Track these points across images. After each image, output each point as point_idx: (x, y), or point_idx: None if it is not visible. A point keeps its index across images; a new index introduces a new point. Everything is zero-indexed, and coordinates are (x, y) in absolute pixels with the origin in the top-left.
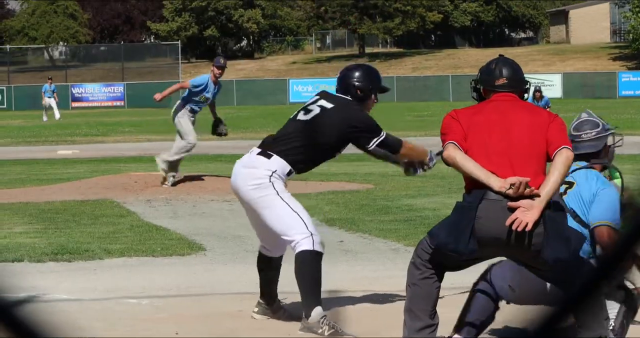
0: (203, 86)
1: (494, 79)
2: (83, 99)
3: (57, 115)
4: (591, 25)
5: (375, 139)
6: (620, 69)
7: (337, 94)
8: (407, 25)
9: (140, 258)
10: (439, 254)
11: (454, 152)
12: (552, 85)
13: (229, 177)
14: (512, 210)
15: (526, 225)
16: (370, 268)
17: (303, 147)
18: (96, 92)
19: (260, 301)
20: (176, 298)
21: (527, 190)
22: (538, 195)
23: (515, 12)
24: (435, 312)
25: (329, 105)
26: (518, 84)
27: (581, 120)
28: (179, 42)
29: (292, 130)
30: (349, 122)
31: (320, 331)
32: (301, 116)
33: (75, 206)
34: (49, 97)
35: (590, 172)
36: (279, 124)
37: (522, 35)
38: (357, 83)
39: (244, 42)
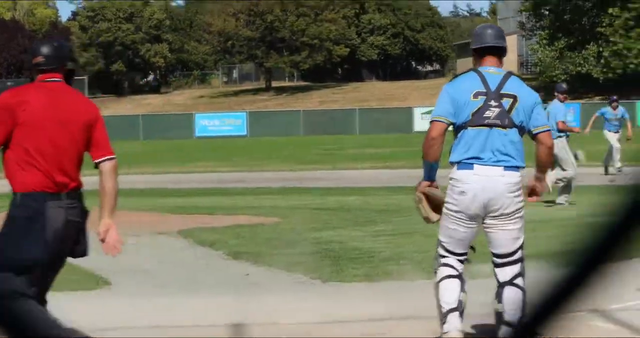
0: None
1: (33, 56)
2: None
3: None
4: None
5: None
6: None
7: None
8: (314, 58)
9: None
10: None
11: None
12: None
13: (137, 212)
14: (74, 210)
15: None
16: (276, 301)
17: None
18: None
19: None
20: None
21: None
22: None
23: (422, 45)
24: None
25: None
26: (57, 61)
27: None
28: (86, 77)
29: None
30: None
31: None
32: None
33: None
34: None
35: (516, 78)
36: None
37: (429, 68)
38: None
39: (151, 77)
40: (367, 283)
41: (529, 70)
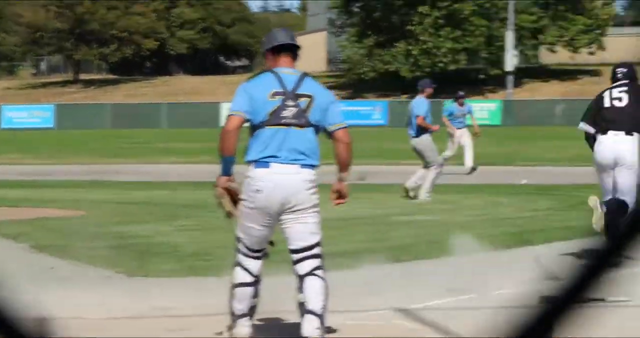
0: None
1: None
2: None
3: None
4: (308, 53)
5: None
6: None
7: None
8: (122, 51)
9: None
10: None
11: None
12: None
13: None
14: None
15: None
16: (81, 295)
17: None
18: None
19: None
20: None
21: None
22: None
23: (231, 40)
24: None
25: None
26: None
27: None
28: None
29: None
30: None
31: None
32: None
33: None
34: None
35: (311, 78)
36: None
37: (238, 63)
38: None
39: None
40: (172, 279)
41: (338, 67)
